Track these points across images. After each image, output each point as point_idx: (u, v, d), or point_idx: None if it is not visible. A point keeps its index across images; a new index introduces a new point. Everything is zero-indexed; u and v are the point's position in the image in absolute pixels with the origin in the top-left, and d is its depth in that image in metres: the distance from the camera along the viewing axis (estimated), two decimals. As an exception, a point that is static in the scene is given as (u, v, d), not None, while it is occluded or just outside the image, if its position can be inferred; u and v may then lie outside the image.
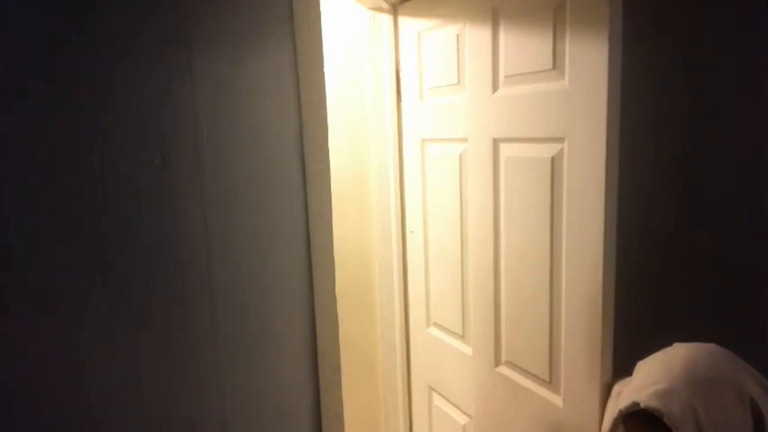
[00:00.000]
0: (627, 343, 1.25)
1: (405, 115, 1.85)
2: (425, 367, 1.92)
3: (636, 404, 0.88)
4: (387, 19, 1.84)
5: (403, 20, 1.79)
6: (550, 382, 1.37)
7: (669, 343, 1.00)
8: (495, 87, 1.44)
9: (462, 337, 1.70)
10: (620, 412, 0.91)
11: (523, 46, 1.34)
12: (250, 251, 0.99)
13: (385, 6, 1.82)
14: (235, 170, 0.95)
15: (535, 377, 1.42)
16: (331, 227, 1.21)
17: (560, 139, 1.26)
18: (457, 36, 1.55)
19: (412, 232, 1.89)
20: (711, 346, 0.93)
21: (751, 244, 1.28)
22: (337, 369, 1.21)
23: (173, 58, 0.82)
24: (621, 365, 1.25)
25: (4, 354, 0.62)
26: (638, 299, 1.28)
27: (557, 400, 1.36)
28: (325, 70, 1.19)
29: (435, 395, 1.89)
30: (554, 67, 1.26)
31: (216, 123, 0.90)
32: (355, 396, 2.05)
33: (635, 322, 1.29)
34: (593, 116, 1.17)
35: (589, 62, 1.17)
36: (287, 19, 1.08)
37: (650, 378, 0.92)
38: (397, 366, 2.02)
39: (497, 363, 1.56)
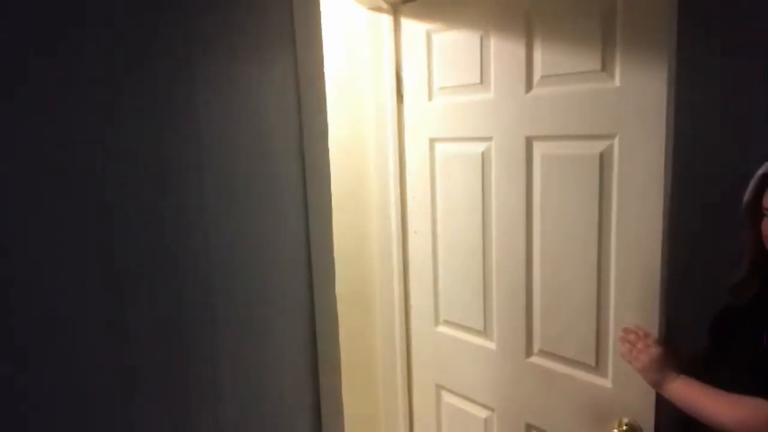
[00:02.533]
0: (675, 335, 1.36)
1: (408, 115, 1.84)
2: (433, 366, 1.92)
3: None
4: (387, 18, 1.83)
5: (406, 20, 1.79)
6: (596, 366, 1.45)
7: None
8: (528, 87, 1.49)
9: (483, 332, 1.73)
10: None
11: (565, 49, 1.40)
12: (249, 251, 1.00)
13: (385, 6, 1.80)
14: (235, 170, 0.96)
15: (577, 363, 1.49)
16: (331, 227, 1.21)
17: (610, 136, 1.34)
18: (480, 38, 1.58)
19: (416, 232, 1.89)
20: None
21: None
22: (337, 369, 1.23)
23: (174, 58, 0.83)
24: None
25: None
26: (688, 290, 1.40)
27: (605, 382, 1.44)
28: (325, 69, 1.19)
29: (445, 393, 1.90)
30: (603, 68, 1.34)
31: (216, 123, 0.91)
32: (355, 396, 2.00)
33: (684, 310, 1.40)
34: (650, 114, 1.26)
35: (644, 63, 1.26)
36: (287, 19, 1.08)
37: None
38: (398, 366, 2.01)
39: (528, 354, 1.61)
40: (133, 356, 0.78)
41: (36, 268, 0.66)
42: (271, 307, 1.07)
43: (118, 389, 0.76)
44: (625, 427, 1.39)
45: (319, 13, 1.17)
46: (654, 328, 1.31)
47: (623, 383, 1.40)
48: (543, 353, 1.58)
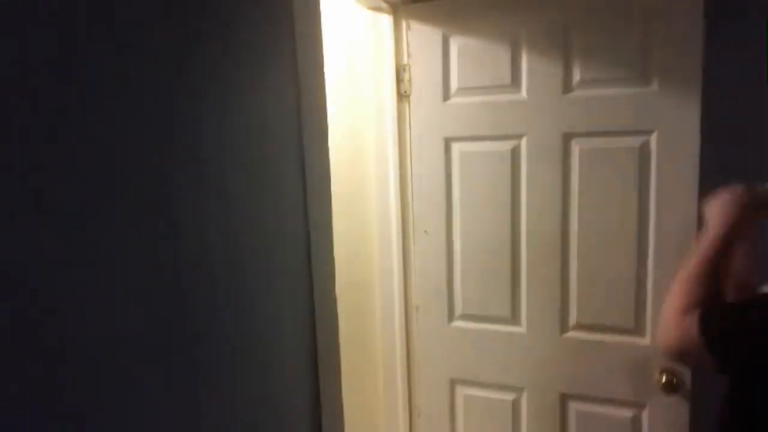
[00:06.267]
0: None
1: (415, 115, 1.84)
2: (447, 361, 1.95)
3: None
4: (387, 19, 1.82)
5: (415, 22, 1.80)
6: (635, 328, 1.69)
7: None
8: (566, 89, 1.66)
9: (510, 319, 1.84)
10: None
11: (606, 57, 1.61)
12: (249, 252, 1.01)
13: (385, 6, 1.79)
14: (235, 171, 0.96)
15: (614, 329, 1.72)
16: (331, 227, 1.23)
17: (648, 132, 1.59)
18: (511, 44, 1.70)
19: (426, 232, 1.89)
20: None
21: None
22: (337, 369, 1.24)
23: (173, 58, 0.82)
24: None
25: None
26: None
27: (642, 341, 1.69)
28: (325, 69, 1.22)
29: (460, 387, 1.95)
30: (642, 74, 1.58)
31: (215, 124, 0.91)
32: (355, 396, 1.93)
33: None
34: (685, 112, 1.54)
35: (679, 72, 1.54)
36: (287, 19, 1.10)
37: None
38: (397, 366, 2.00)
39: (564, 331, 1.78)
40: (134, 356, 0.76)
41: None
42: (271, 308, 1.06)
43: (119, 389, 0.74)
44: (665, 379, 1.66)
45: (319, 13, 1.17)
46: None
47: (662, 339, 1.67)
48: (579, 327, 1.77)
